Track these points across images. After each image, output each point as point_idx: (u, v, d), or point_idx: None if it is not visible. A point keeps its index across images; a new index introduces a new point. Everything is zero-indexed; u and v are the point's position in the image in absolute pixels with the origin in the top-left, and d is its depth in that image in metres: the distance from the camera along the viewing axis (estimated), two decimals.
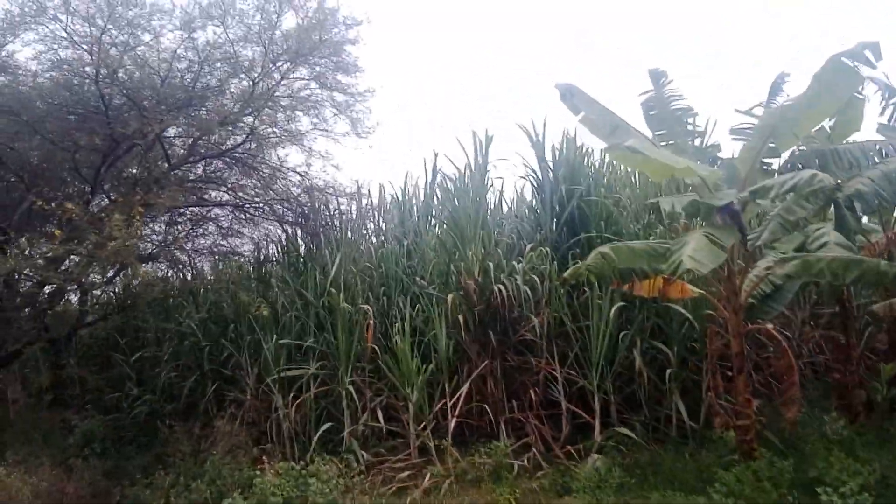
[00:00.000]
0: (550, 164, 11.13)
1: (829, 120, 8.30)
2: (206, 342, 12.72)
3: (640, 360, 9.21)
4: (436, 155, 12.94)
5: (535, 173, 11.40)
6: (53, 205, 9.01)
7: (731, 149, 10.31)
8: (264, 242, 13.78)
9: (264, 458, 9.14)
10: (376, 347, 10.14)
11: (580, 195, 10.72)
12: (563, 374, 9.65)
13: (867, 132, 8.83)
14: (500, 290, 9.58)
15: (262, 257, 13.63)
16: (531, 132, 11.47)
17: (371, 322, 10.18)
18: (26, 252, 8.89)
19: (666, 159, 6.99)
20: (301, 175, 12.61)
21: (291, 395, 10.28)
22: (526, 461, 8.94)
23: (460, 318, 9.75)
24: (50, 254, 8.99)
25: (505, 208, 12.55)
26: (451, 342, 9.80)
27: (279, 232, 13.45)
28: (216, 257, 14.56)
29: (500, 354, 10.15)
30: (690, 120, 8.56)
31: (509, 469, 8.70)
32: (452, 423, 9.41)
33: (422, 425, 9.58)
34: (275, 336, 10.51)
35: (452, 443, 9.29)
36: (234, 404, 11.38)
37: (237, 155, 12.79)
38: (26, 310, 11.03)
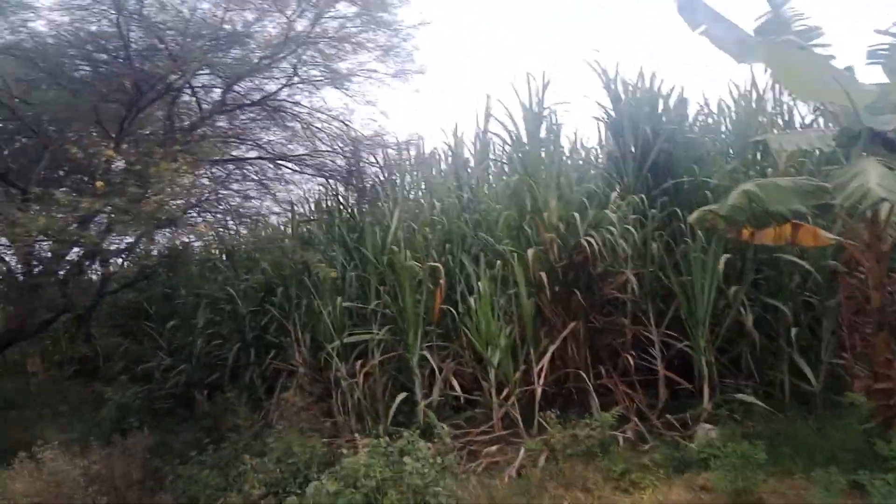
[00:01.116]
0: (629, 104, 10.02)
1: None
2: (247, 308, 11.75)
3: (750, 318, 8.27)
4: (488, 99, 11.86)
5: (610, 115, 10.31)
6: (90, 151, 7.84)
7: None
8: (304, 200, 12.68)
9: (355, 435, 8.18)
10: (451, 309, 9.16)
11: (666, 137, 9.66)
12: (660, 335, 8.73)
13: None
14: (588, 244, 8.56)
15: (300, 215, 12.55)
16: (600, 70, 10.37)
17: (443, 281, 9.19)
18: (61, 207, 7.74)
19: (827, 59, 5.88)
20: (346, 124, 11.45)
21: (357, 363, 9.31)
22: (628, 433, 8.04)
23: (543, 275, 8.74)
24: (84, 209, 7.84)
25: (573, 154, 11.42)
26: (533, 302, 8.81)
27: (318, 188, 12.36)
28: (247, 218, 13.50)
29: (583, 315, 9.20)
30: (818, 41, 7.48)
31: (613, 442, 7.79)
32: (539, 392, 8.51)
33: (503, 394, 8.65)
34: (338, 299, 9.46)
35: (536, 414, 8.45)
36: (285, 374, 10.47)
37: (273, 103, 11.65)
38: (53, 277, 9.98)
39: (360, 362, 9.15)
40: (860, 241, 7.12)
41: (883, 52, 7.46)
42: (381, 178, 11.15)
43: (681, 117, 10.03)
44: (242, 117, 12.28)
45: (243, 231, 12.98)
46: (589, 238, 8.60)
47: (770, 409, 7.85)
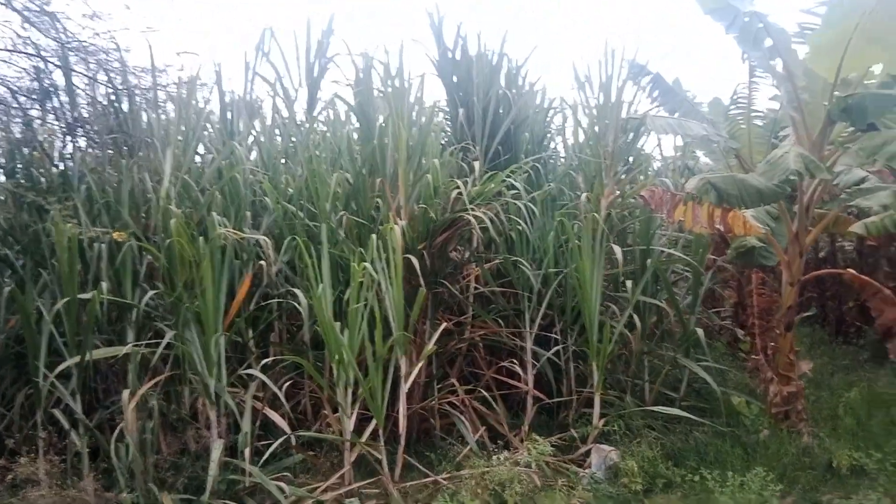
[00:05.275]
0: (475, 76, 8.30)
1: None
2: None
3: (637, 320, 7.20)
4: (266, 32, 8.88)
5: (453, 82, 8.47)
6: None
7: None
8: None
9: None
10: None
11: (516, 113, 8.22)
12: (534, 336, 7.11)
13: None
14: (478, 220, 6.49)
15: None
16: (436, 29, 8.58)
17: (265, 262, 6.10)
18: None
19: None
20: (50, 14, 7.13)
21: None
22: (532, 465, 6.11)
23: (414, 260, 6.34)
24: None
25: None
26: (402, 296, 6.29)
27: None
28: None
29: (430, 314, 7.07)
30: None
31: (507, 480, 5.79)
32: (404, 421, 6.09)
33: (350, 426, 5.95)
34: (75, 282, 5.44)
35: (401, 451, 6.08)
36: None
37: None
38: None
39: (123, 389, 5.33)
40: (787, 234, 6.61)
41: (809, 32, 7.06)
42: (123, 106, 7.22)
43: (528, 93, 8.66)
44: None
45: None
46: (475, 213, 6.55)
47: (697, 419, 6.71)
